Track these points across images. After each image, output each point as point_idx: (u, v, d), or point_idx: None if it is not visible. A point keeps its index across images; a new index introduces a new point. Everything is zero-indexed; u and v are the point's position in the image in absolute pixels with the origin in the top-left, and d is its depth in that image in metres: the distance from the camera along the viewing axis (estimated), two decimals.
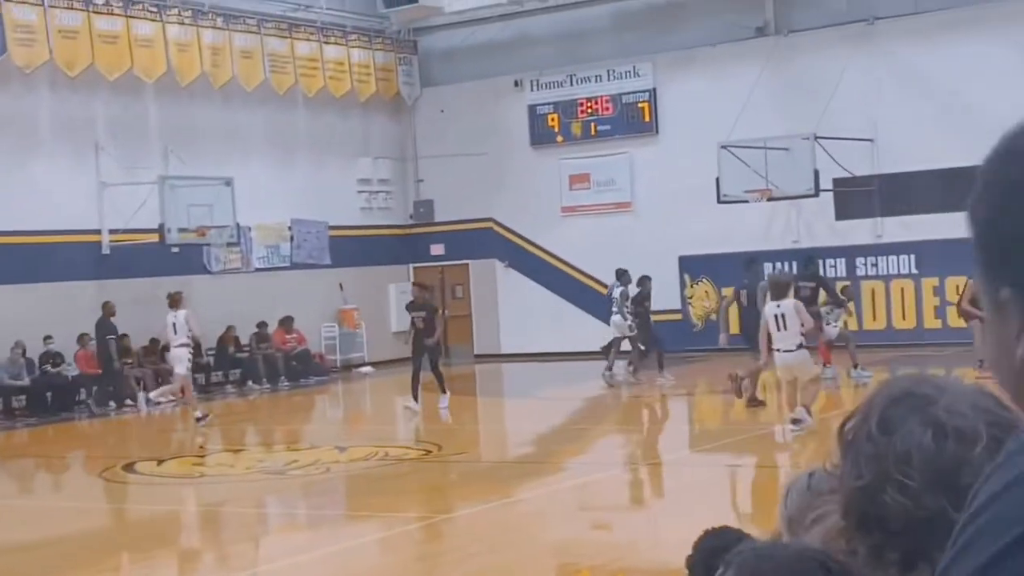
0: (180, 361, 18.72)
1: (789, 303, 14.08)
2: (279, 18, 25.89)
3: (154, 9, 23.48)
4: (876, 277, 24.30)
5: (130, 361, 22.29)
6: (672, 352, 22.56)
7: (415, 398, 18.75)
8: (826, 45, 24.34)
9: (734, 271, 24.24)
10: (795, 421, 14.19)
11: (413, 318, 18.85)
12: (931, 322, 23.81)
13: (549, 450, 15.59)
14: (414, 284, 20.63)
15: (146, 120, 23.86)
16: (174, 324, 18.46)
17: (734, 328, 19.79)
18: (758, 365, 15.36)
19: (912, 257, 23.52)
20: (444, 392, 19.07)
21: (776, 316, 13.94)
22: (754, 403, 16.68)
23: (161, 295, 23.22)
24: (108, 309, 21.48)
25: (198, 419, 18.83)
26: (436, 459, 14.74)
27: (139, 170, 22.88)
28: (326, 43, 26.79)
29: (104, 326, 21.51)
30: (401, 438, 17.71)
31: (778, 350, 13.90)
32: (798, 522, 2.58)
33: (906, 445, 1.50)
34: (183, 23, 23.91)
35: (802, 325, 14.00)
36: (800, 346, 13.96)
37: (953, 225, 23.11)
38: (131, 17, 23.06)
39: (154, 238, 22.51)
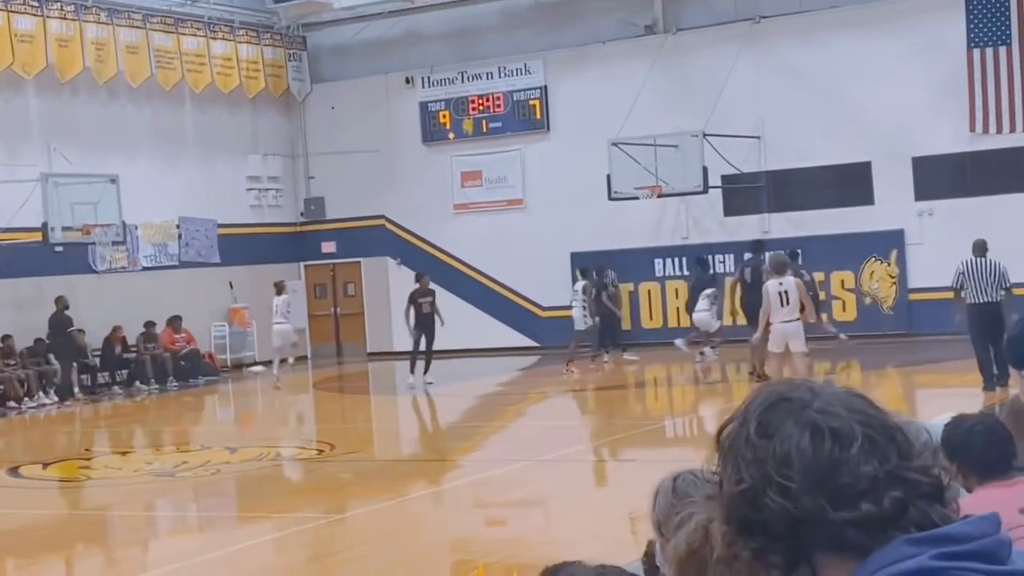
0: (280, 335, 22.25)
1: (791, 280, 15.22)
2: (165, 13, 25.60)
3: (36, 3, 23.01)
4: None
5: (13, 363, 21.83)
6: (563, 349, 22.75)
7: (413, 372, 21.01)
8: (714, 43, 24.58)
9: (625, 267, 24.62)
10: None
11: (421, 303, 20.95)
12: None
13: (443, 447, 15.60)
14: (418, 273, 22.17)
15: (27, 116, 23.41)
16: (276, 306, 22.07)
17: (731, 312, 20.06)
18: (756, 340, 16.28)
19: (800, 250, 23.86)
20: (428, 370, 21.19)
21: (780, 292, 14.99)
22: (760, 379, 16.79)
23: (44, 296, 22.92)
24: None
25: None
26: (329, 458, 14.65)
27: (20, 167, 22.48)
28: (213, 38, 26.52)
29: None
30: (294, 438, 17.57)
31: (780, 322, 14.91)
32: (665, 524, 2.62)
33: (785, 448, 1.51)
34: (65, 17, 23.49)
35: (802, 307, 15.08)
36: (796, 319, 15.04)
37: (838, 220, 23.71)
38: (11, 12, 22.59)
39: (37, 237, 22.18)
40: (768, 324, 15.19)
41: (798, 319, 15.02)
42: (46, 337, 22.52)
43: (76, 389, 22.57)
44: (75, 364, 22.64)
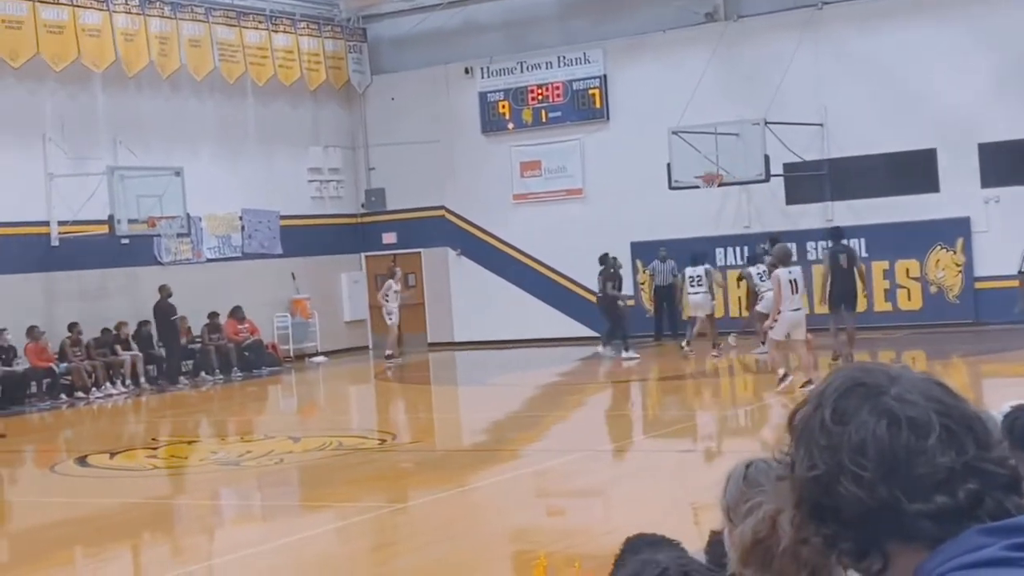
0: (388, 315, 25.01)
1: (798, 269, 16.07)
2: (227, 6, 25.73)
3: None
4: None
5: (80, 354, 22.14)
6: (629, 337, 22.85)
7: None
8: (775, 30, 24.42)
9: (685, 257, 24.40)
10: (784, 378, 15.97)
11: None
12: (881, 305, 23.88)
13: (504, 437, 15.61)
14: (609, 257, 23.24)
15: (94, 110, 23.66)
16: (393, 291, 24.80)
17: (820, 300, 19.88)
18: (765, 328, 16.80)
19: (862, 240, 23.59)
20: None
21: (791, 281, 15.59)
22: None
23: (110, 287, 23.26)
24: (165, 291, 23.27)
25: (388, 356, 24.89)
26: (391, 448, 14.72)
27: (87, 161, 22.72)
28: (275, 31, 26.71)
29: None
30: (356, 428, 17.66)
31: (791, 310, 15.55)
32: (734, 511, 2.62)
33: (860, 435, 1.49)
34: (130, 12, 23.70)
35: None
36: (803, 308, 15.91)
37: (902, 209, 23.47)
38: (77, 6, 22.79)
39: (103, 229, 22.32)
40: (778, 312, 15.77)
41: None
42: (154, 327, 23.29)
43: (142, 380, 22.84)
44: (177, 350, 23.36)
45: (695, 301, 22.72)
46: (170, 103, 25.00)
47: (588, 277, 25.05)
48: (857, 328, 19.13)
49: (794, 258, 18.05)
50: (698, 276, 22.64)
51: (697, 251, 23.73)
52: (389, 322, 25.46)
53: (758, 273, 21.57)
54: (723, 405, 17.71)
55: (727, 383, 20.39)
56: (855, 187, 23.89)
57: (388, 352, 25.49)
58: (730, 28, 24.97)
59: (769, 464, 2.57)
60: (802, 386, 15.96)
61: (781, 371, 16.14)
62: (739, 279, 23.48)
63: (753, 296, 22.20)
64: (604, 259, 23.23)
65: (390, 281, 25.53)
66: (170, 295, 23.34)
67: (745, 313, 23.67)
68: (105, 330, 22.70)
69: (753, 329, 21.72)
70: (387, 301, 25.38)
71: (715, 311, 23.27)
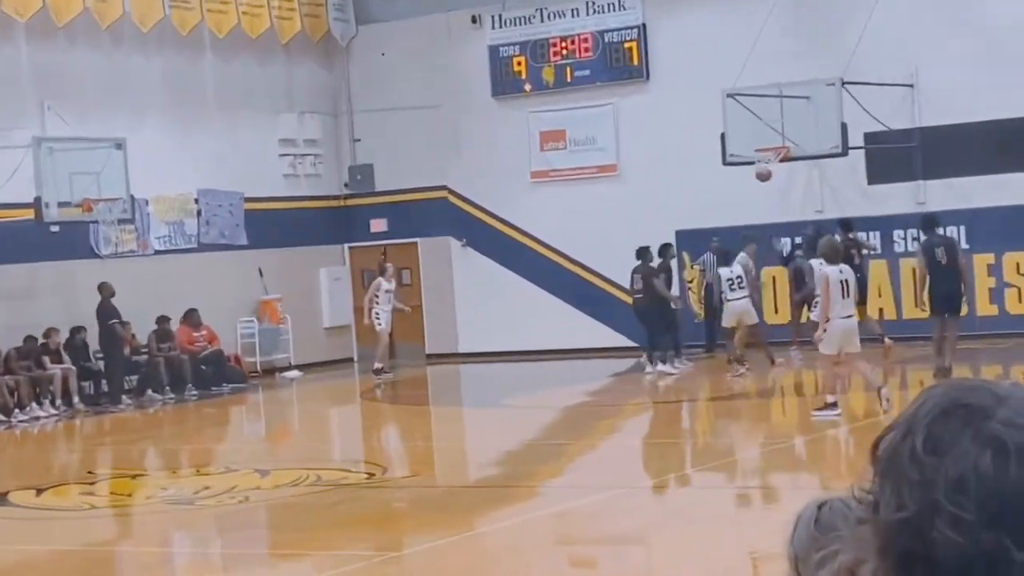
0: (377, 320, 25.26)
1: (848, 268, 16.18)
2: None
3: None
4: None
5: None
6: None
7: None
8: None
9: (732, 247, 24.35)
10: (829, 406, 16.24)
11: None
12: (985, 308, 23.90)
13: (519, 471, 15.63)
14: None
15: (16, 68, 23.78)
16: (384, 292, 25.07)
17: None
18: (816, 340, 16.83)
19: (962, 228, 23.53)
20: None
21: (843, 282, 15.82)
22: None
23: (37, 286, 23.30)
24: None
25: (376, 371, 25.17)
26: (381, 484, 14.78)
27: (8, 131, 22.74)
28: None
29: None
30: (337, 458, 17.74)
31: (842, 317, 15.73)
32: (803, 561, 2.63)
33: (960, 469, 1.47)
34: None
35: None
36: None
37: (1010, 189, 23.41)
38: None
39: (28, 214, 22.33)
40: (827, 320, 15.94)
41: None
42: (92, 334, 23.39)
43: (76, 399, 22.92)
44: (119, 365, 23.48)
45: (736, 308, 22.36)
46: (110, 60, 25.02)
47: (623, 274, 24.99)
48: (958, 337, 19.14)
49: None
50: (737, 277, 22.40)
51: (731, 245, 23.45)
52: (378, 329, 25.50)
53: (804, 266, 21.45)
54: (787, 432, 17.70)
55: (792, 404, 20.38)
56: (953, 162, 23.87)
57: (377, 366, 25.55)
58: None
59: (847, 504, 2.58)
60: (818, 409, 16.45)
61: (830, 398, 16.34)
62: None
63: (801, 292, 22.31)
64: (643, 252, 23.24)
65: (380, 279, 25.54)
66: (112, 295, 23.39)
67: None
68: (30, 338, 22.75)
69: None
70: (376, 303, 25.38)
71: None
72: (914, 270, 21.55)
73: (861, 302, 21.04)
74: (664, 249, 23.46)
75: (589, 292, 26.67)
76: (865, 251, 23.34)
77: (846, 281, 15.91)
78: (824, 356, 16.37)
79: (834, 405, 16.29)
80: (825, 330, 16.01)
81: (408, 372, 26.33)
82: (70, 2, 23.77)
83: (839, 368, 16.67)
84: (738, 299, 22.30)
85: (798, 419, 18.67)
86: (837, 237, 18.53)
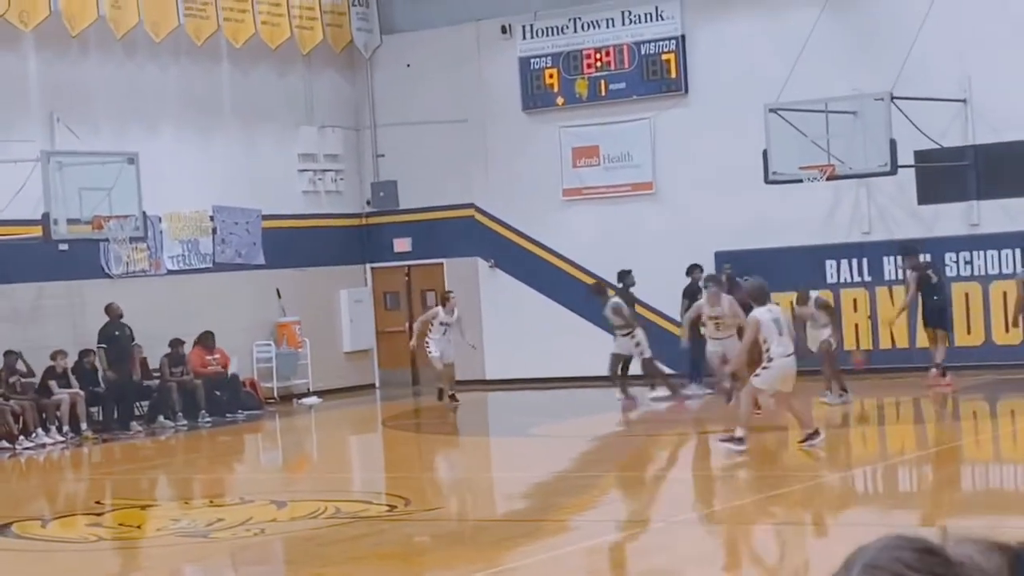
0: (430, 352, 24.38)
1: (778, 308, 16.96)
2: None
3: None
4: (971, 278, 24.35)
5: (2, 392, 22.29)
6: (710, 378, 23.10)
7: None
8: None
9: (787, 272, 24.29)
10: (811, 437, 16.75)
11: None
12: None
13: (549, 504, 15.57)
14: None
15: (24, 79, 23.89)
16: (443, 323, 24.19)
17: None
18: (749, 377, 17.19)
19: (1017, 252, 23.53)
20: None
21: (774, 320, 16.45)
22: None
23: (45, 306, 23.39)
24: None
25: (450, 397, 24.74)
26: (403, 517, 14.71)
27: (16, 144, 22.76)
28: None
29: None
30: (358, 490, 17.71)
31: (784, 356, 16.46)
32: None
33: None
34: None
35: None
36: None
37: None
38: None
39: (36, 231, 22.34)
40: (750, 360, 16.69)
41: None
42: (100, 357, 23.36)
43: (85, 425, 22.91)
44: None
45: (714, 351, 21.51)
46: (123, 70, 25.13)
47: (658, 297, 25.13)
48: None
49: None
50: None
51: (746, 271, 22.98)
52: (431, 357, 24.61)
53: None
54: (846, 462, 17.59)
55: (854, 435, 20.24)
56: (1008, 182, 23.76)
57: (444, 391, 24.71)
58: None
59: (903, 549, 2.54)
60: (802, 441, 16.74)
61: (740, 431, 16.65)
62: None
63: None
64: (692, 269, 23.58)
65: (438, 308, 24.82)
66: (121, 316, 23.40)
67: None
68: (9, 353, 22.53)
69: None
70: (429, 332, 24.53)
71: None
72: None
73: (942, 326, 22.44)
74: (623, 275, 23.96)
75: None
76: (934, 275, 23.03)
77: (778, 320, 16.53)
78: (757, 390, 16.83)
79: (741, 440, 16.62)
80: (766, 368, 16.46)
81: (432, 399, 26.21)
82: (84, 10, 23.87)
83: (779, 406, 17.30)
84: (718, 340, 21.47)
85: (827, 455, 18.60)
86: (756, 279, 17.99)
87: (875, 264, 24.74)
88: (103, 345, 23.40)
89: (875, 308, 24.73)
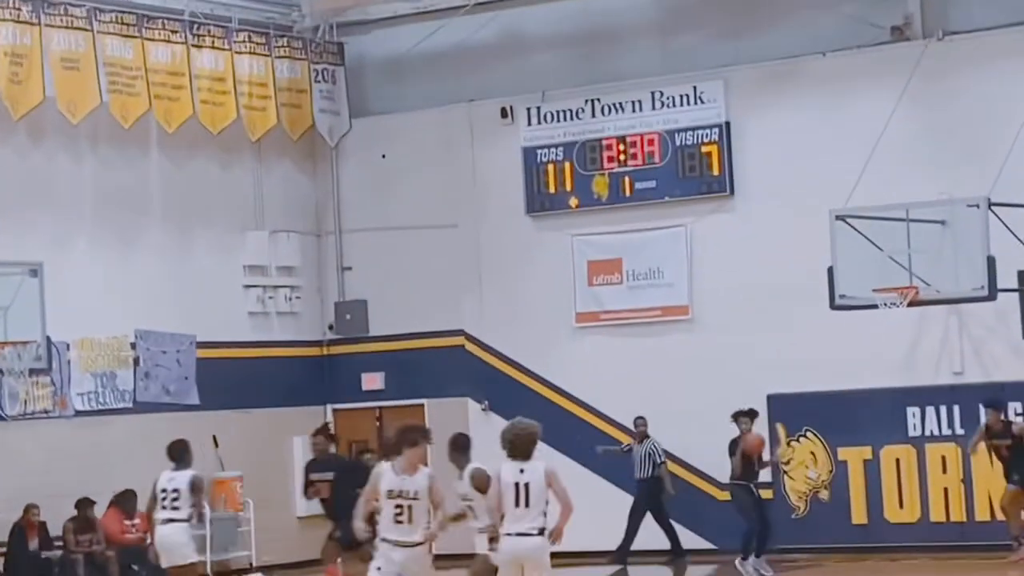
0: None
1: (538, 466, 14.49)
2: (123, 7, 25.49)
3: None
4: None
5: None
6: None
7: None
8: (1006, 55, 24.08)
9: (858, 420, 24.74)
10: None
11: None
12: None
13: None
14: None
15: None
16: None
17: None
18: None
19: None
20: None
21: (517, 484, 14.27)
22: None
23: None
24: None
25: None
26: None
27: None
28: (198, 46, 26.47)
29: None
30: None
31: (509, 534, 14.25)
32: None
33: None
34: None
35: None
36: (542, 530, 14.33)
37: None
38: None
39: None
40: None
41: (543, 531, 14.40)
42: None
43: None
44: None
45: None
46: (26, 161, 24.86)
47: (698, 453, 25.12)
48: None
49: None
50: None
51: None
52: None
53: None
54: None
55: None
56: None
57: None
58: (932, 50, 24.54)
59: None
60: None
61: None
62: None
63: None
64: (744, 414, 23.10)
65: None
66: None
67: None
68: None
69: None
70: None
71: None
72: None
73: None
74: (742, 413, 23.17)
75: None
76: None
77: (526, 484, 14.34)
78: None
79: None
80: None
81: None
82: None
83: None
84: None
85: None
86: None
87: (969, 412, 23.92)
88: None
89: (969, 468, 24.14)
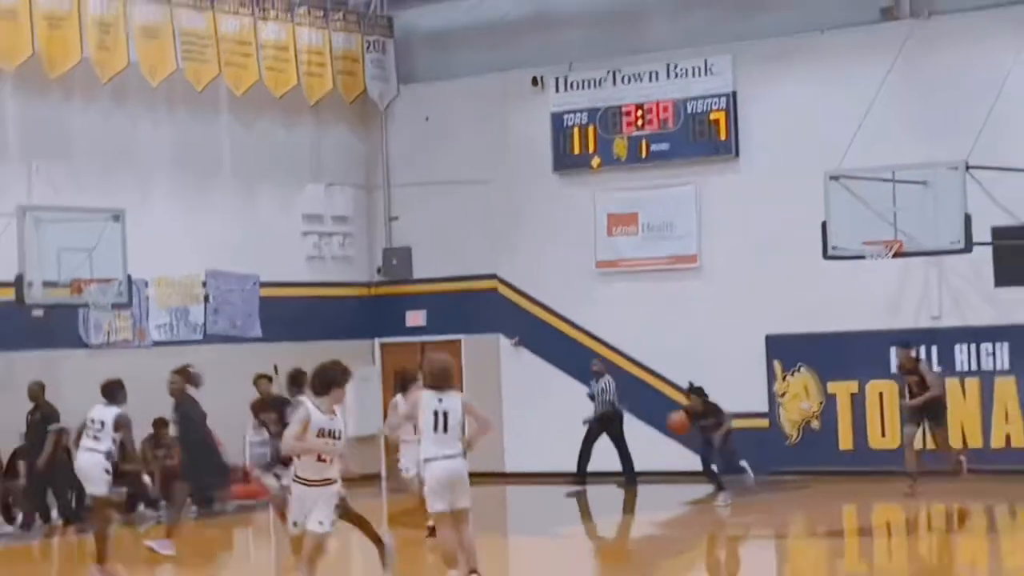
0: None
1: (455, 396, 14.41)
2: None
3: None
4: None
5: None
6: (757, 475, 23.23)
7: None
8: (984, 34, 24.48)
9: (847, 359, 24.94)
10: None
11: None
12: None
13: None
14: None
15: (1, 125, 24.03)
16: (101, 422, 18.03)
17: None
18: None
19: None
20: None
21: (436, 412, 14.20)
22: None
23: (16, 377, 23.23)
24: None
25: None
26: None
27: None
28: (263, 19, 27.01)
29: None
30: None
31: (436, 457, 14.20)
32: None
33: None
34: None
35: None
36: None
37: None
38: None
39: (7, 295, 22.40)
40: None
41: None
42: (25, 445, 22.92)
43: (55, 513, 22.78)
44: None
45: None
46: (111, 118, 25.27)
47: (705, 385, 24.56)
48: None
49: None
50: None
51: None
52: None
53: None
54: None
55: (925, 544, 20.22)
56: None
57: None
58: (918, 30, 24.95)
59: None
60: None
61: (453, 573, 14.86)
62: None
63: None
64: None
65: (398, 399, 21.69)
66: (42, 389, 22.65)
67: None
68: None
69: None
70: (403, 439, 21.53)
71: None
72: None
73: None
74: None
75: (663, 405, 26.00)
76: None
77: (445, 413, 14.25)
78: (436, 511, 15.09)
79: None
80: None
81: None
82: (66, 49, 23.96)
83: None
84: None
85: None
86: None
87: (946, 353, 24.69)
88: (57, 427, 22.59)
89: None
